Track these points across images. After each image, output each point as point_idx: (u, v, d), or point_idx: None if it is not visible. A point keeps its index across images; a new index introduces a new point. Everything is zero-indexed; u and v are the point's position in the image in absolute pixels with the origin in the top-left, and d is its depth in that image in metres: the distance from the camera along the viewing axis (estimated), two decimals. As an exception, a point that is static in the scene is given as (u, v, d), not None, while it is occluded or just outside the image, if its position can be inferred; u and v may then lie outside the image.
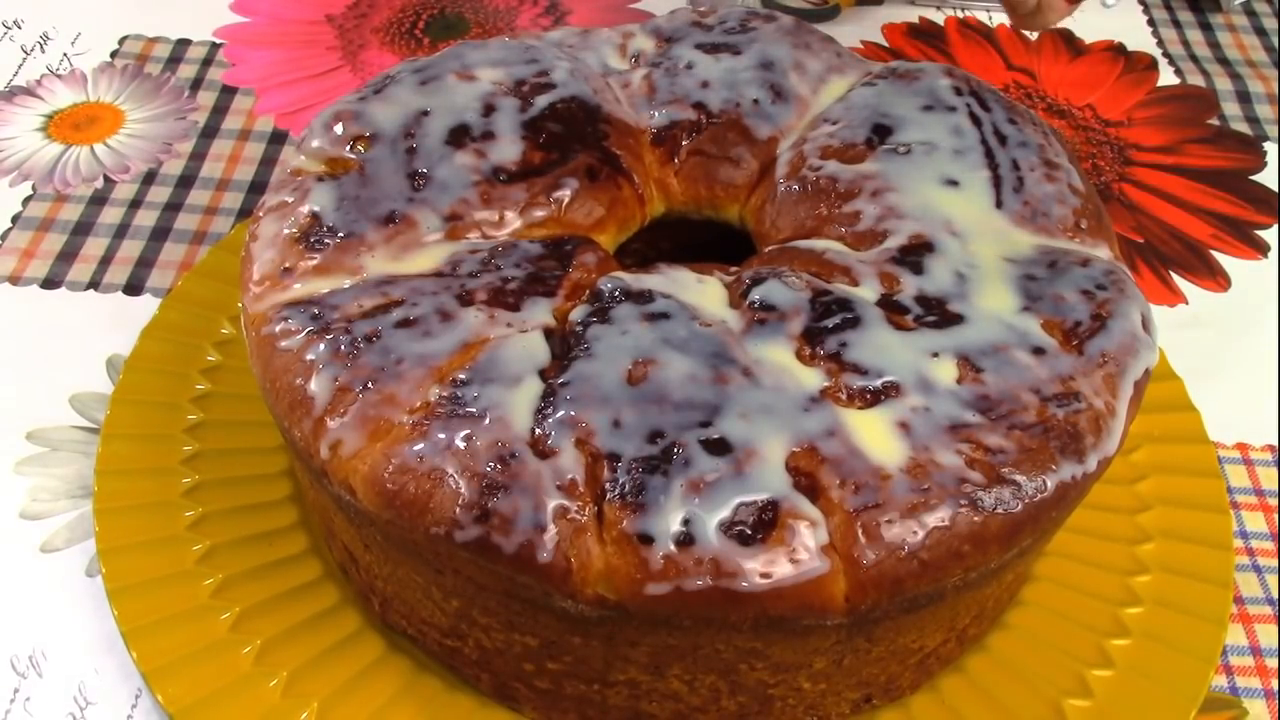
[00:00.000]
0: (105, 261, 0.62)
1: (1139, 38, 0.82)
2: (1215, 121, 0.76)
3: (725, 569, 0.37)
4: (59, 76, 0.73)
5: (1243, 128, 0.76)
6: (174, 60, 0.75)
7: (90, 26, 0.77)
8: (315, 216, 0.46)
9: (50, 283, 0.61)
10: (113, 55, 0.75)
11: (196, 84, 0.73)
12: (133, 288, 0.61)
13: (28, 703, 0.46)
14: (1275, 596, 0.52)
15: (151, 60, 0.75)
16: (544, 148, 0.49)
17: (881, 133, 0.50)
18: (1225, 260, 0.67)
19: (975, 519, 0.39)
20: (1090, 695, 0.45)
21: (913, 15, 0.83)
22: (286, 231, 0.46)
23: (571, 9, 0.82)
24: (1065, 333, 0.44)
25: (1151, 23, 0.84)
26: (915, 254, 0.46)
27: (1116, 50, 0.81)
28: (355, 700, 0.44)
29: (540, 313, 0.43)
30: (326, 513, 0.46)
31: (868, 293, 0.44)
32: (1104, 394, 0.43)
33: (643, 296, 0.44)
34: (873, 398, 0.41)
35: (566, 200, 0.48)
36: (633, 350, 0.41)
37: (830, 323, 0.43)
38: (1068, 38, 0.82)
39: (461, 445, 0.39)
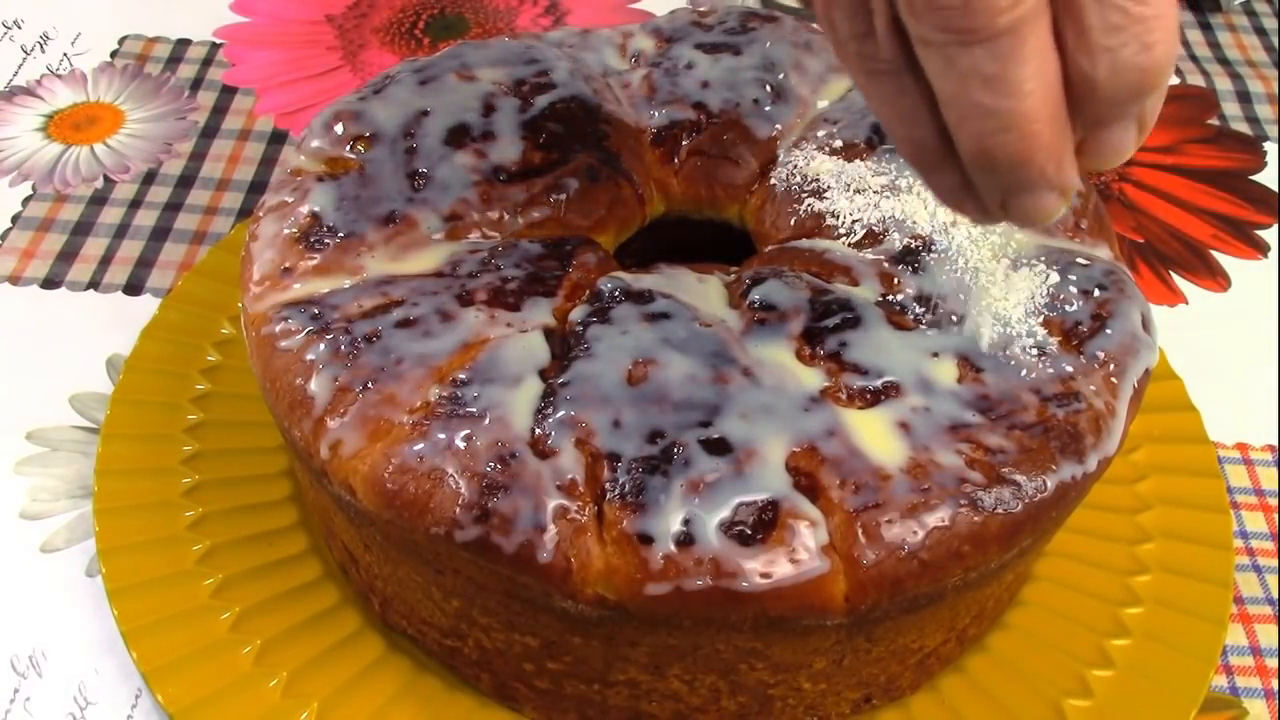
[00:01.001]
0: (105, 261, 0.62)
1: (1139, 38, 0.82)
2: (1215, 121, 0.76)
3: (725, 569, 0.37)
4: (59, 76, 0.73)
5: (1243, 128, 0.76)
6: (174, 60, 0.75)
7: (90, 26, 0.77)
8: (315, 216, 0.46)
9: (50, 283, 0.61)
10: (113, 55, 0.75)
11: (196, 84, 0.73)
12: (133, 288, 0.61)
13: (28, 703, 0.46)
14: (1275, 596, 0.52)
15: (151, 60, 0.75)
16: (544, 148, 0.49)
17: (882, 132, 0.50)
18: (1225, 260, 0.67)
19: (975, 519, 0.39)
20: (1090, 695, 0.45)
21: (913, 15, 0.83)
22: (286, 231, 0.46)
23: (571, 9, 0.82)
24: (1065, 333, 0.44)
25: (1151, 23, 0.84)
26: (915, 254, 0.46)
27: (1116, 50, 0.81)
28: (355, 700, 0.44)
29: (540, 313, 0.43)
30: (326, 513, 0.46)
31: (868, 293, 0.44)
32: (1104, 394, 0.43)
33: (643, 296, 0.44)
34: (873, 398, 0.41)
35: (566, 200, 0.48)
36: (633, 350, 0.41)
37: (830, 323, 0.43)
38: (1068, 38, 0.82)
39: (461, 445, 0.39)
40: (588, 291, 0.45)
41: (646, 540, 0.37)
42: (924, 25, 0.29)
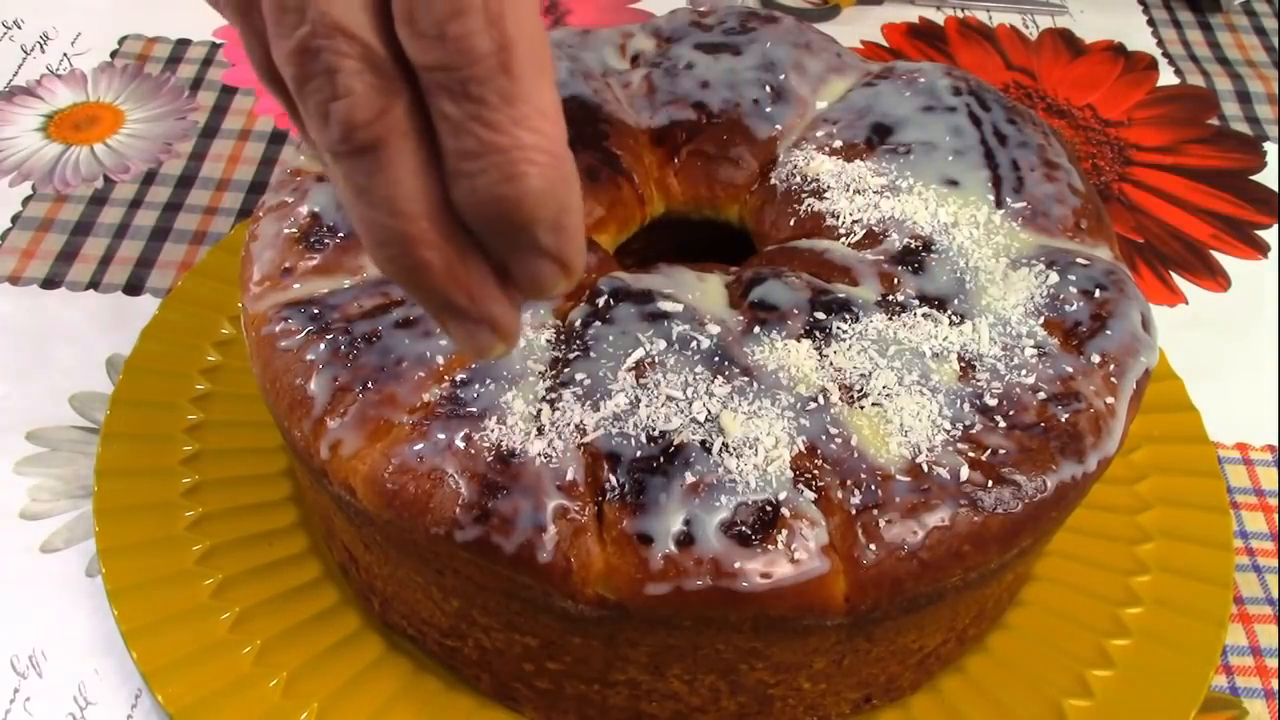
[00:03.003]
0: (105, 261, 0.62)
1: (1139, 38, 0.82)
2: (1215, 121, 0.76)
3: (725, 569, 0.37)
4: (59, 76, 0.73)
5: (1243, 128, 0.76)
6: (174, 60, 0.75)
7: (90, 26, 0.77)
8: (315, 216, 0.46)
9: (50, 283, 0.61)
10: (113, 55, 0.75)
11: (196, 84, 0.73)
12: (133, 288, 0.61)
13: (28, 703, 0.46)
14: (1275, 596, 0.52)
15: (151, 60, 0.75)
16: (544, 148, 0.49)
17: (881, 133, 0.50)
18: (1225, 260, 0.67)
19: (975, 519, 0.39)
20: (1090, 695, 0.45)
21: (913, 15, 0.83)
22: (286, 231, 0.46)
23: (571, 9, 0.82)
24: (1065, 333, 0.44)
25: (1151, 23, 0.84)
26: (915, 254, 0.46)
27: (1116, 50, 0.81)
28: (355, 700, 0.44)
29: (540, 313, 0.43)
30: (326, 513, 0.46)
31: (868, 293, 0.44)
32: (1104, 394, 0.43)
33: (643, 296, 0.43)
34: (873, 398, 0.41)
35: (566, 200, 0.48)
36: (633, 350, 0.41)
37: (830, 323, 0.43)
38: (1068, 38, 0.82)
39: (461, 445, 0.39)
40: (588, 291, 0.44)
41: (646, 540, 0.37)
42: (310, 130, 0.29)
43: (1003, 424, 0.41)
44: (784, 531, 0.38)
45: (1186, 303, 0.65)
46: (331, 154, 0.28)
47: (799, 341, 0.42)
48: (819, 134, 0.51)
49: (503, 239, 0.29)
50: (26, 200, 0.65)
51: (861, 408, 0.41)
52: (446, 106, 0.27)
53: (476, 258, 0.29)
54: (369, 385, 0.41)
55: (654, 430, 0.39)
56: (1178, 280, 0.66)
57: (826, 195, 0.48)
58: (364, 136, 0.27)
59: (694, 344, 0.42)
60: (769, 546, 0.37)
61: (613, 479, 0.38)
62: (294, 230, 0.46)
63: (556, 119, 0.28)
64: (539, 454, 0.39)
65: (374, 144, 0.28)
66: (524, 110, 0.27)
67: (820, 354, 0.42)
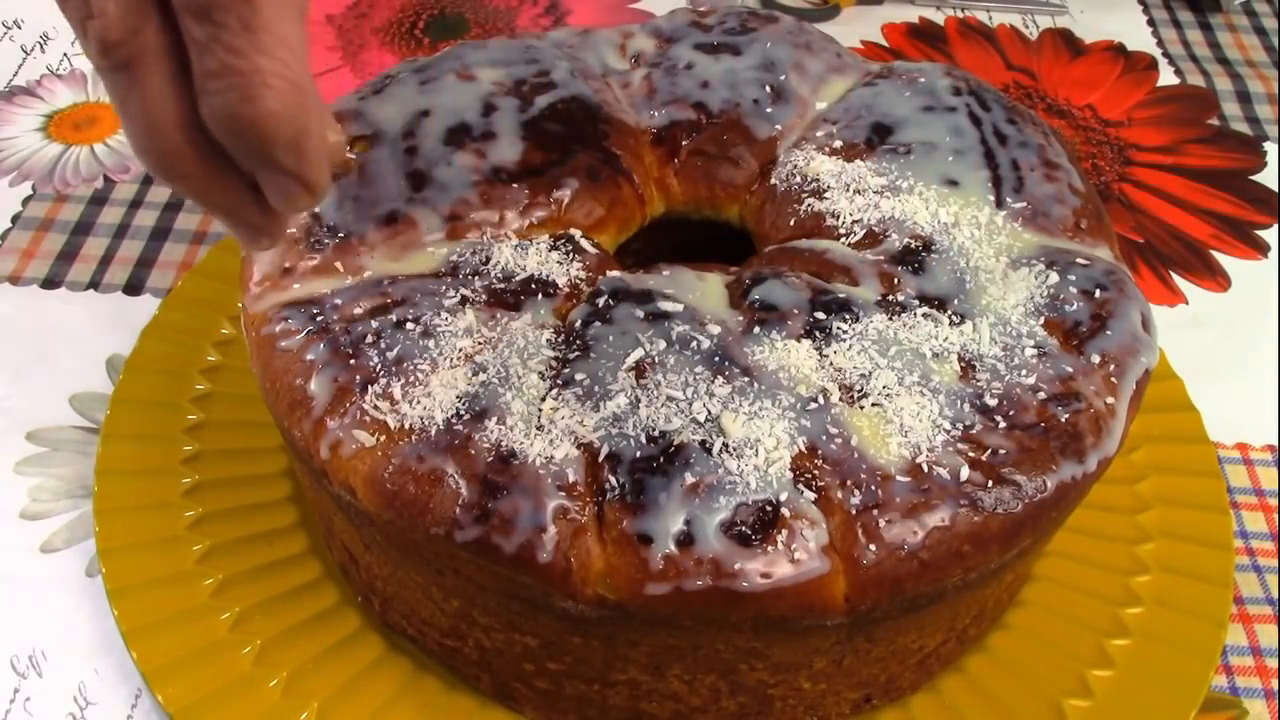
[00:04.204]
0: (105, 261, 0.62)
1: (1139, 38, 0.82)
2: (1215, 121, 0.76)
3: (725, 569, 0.37)
4: (59, 76, 0.73)
5: (1243, 128, 0.76)
6: (174, 60, 0.75)
7: (90, 26, 0.77)
8: (315, 216, 0.46)
9: (50, 283, 0.61)
10: (113, 55, 0.75)
11: (196, 84, 0.73)
12: (133, 288, 0.61)
13: (28, 703, 0.46)
14: (1275, 596, 0.52)
15: (151, 60, 0.75)
16: (544, 148, 0.49)
17: (881, 133, 0.50)
18: (1225, 260, 0.67)
19: (975, 519, 0.39)
20: (1090, 695, 0.45)
21: (913, 15, 0.83)
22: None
23: (571, 9, 0.82)
24: (1065, 333, 0.44)
25: (1151, 23, 0.84)
26: (915, 254, 0.46)
27: (1116, 50, 0.81)
28: (355, 700, 0.44)
29: (540, 313, 0.43)
30: (326, 513, 0.46)
31: (868, 293, 0.44)
32: (1104, 394, 0.43)
33: (643, 296, 0.43)
34: (873, 398, 0.41)
35: (566, 200, 0.48)
36: (633, 350, 0.41)
37: (830, 323, 0.43)
38: (1068, 38, 0.82)
39: (461, 445, 0.39)
40: (588, 291, 0.44)
41: (646, 540, 0.37)
42: (81, 46, 0.31)
43: (1003, 424, 0.41)
44: (784, 532, 0.38)
45: (1186, 303, 0.65)
46: (95, 68, 0.31)
47: (799, 341, 0.42)
48: (819, 134, 0.51)
49: (246, 155, 0.31)
50: (26, 200, 0.65)
51: (862, 408, 0.41)
52: (193, 29, 0.29)
53: (233, 170, 0.31)
54: (369, 385, 0.41)
55: (654, 430, 0.39)
56: (1178, 280, 0.66)
57: (826, 195, 0.48)
58: (118, 54, 0.30)
59: (694, 344, 0.42)
60: (769, 547, 0.37)
61: (613, 479, 0.38)
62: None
63: (298, 50, 0.30)
64: (539, 454, 0.39)
65: (127, 61, 0.30)
66: (265, 39, 0.29)
67: (820, 354, 0.42)
